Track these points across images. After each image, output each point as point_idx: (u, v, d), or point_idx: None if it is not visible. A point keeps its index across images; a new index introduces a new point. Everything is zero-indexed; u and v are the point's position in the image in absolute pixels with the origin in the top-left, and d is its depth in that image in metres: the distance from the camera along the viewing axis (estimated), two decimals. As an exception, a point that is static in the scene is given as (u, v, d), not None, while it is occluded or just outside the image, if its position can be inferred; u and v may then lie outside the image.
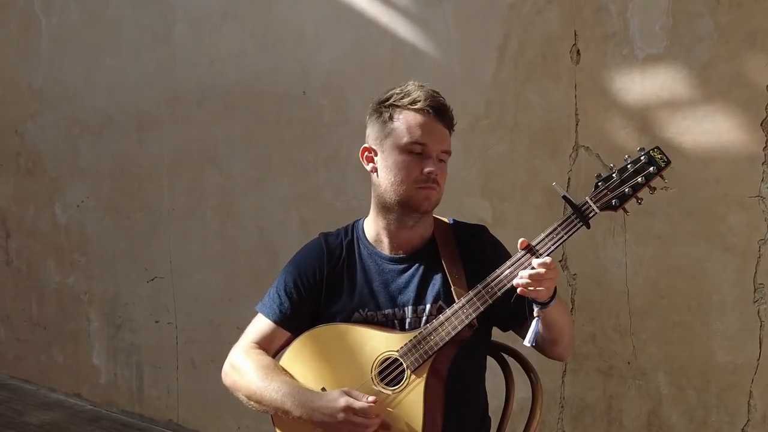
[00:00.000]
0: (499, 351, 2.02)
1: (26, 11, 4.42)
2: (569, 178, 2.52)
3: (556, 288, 1.61)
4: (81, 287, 4.35)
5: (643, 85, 2.37)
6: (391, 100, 1.74)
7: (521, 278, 1.57)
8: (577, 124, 2.51)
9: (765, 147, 2.19)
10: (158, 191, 3.85)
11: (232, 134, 3.51)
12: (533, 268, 1.56)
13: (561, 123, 2.54)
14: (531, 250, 1.60)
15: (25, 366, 4.78)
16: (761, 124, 2.18)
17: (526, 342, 1.60)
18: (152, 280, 3.94)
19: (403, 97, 1.73)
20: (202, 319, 3.74)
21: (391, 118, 1.74)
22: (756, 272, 2.23)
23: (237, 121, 3.48)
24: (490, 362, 2.00)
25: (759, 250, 2.22)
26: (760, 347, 2.25)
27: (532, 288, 1.56)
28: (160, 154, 3.82)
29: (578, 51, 2.49)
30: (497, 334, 2.03)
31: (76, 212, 4.30)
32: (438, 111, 1.72)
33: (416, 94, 1.73)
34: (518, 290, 1.58)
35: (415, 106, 1.71)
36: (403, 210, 1.75)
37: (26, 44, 4.46)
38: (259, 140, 3.42)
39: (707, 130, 2.27)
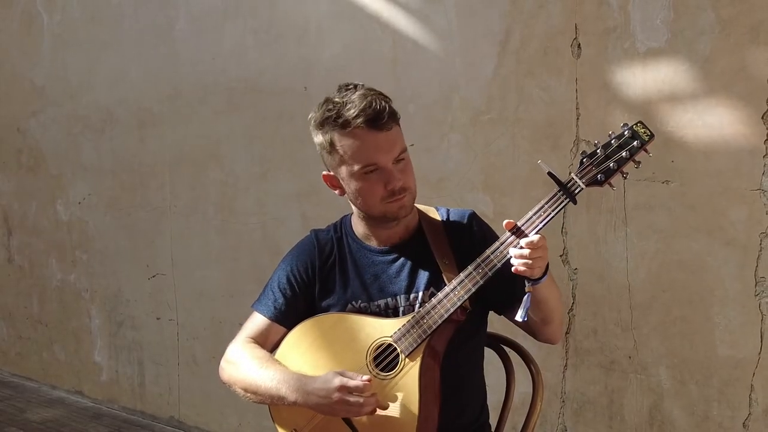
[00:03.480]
0: (500, 344, 2.02)
1: (28, 9, 4.43)
2: (570, 173, 2.51)
3: (548, 265, 1.62)
4: (83, 284, 4.35)
5: (645, 78, 2.37)
6: (327, 126, 1.67)
7: (513, 257, 1.57)
8: (578, 119, 2.51)
9: (766, 140, 2.18)
10: (160, 188, 3.85)
11: (233, 131, 3.51)
12: (522, 247, 1.56)
13: (562, 117, 2.54)
14: (517, 231, 1.60)
15: (27, 363, 4.79)
16: (762, 118, 2.18)
17: (518, 317, 1.60)
18: (154, 276, 3.94)
19: (336, 119, 1.65)
20: (203, 315, 3.74)
21: (332, 145, 1.68)
22: (757, 266, 2.23)
23: (239, 118, 3.48)
24: (492, 356, 2.00)
25: (760, 244, 2.22)
26: (762, 341, 2.24)
27: (523, 268, 1.56)
28: (161, 151, 3.83)
29: (579, 45, 2.49)
30: (499, 327, 2.03)
31: (78, 209, 4.31)
32: (374, 121, 1.63)
33: (348, 113, 1.63)
34: (512, 269, 1.58)
35: (350, 128, 1.64)
36: (382, 220, 1.77)
37: (28, 41, 4.46)
38: (260, 136, 3.42)
39: (708, 123, 2.27)
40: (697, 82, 2.29)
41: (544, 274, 1.61)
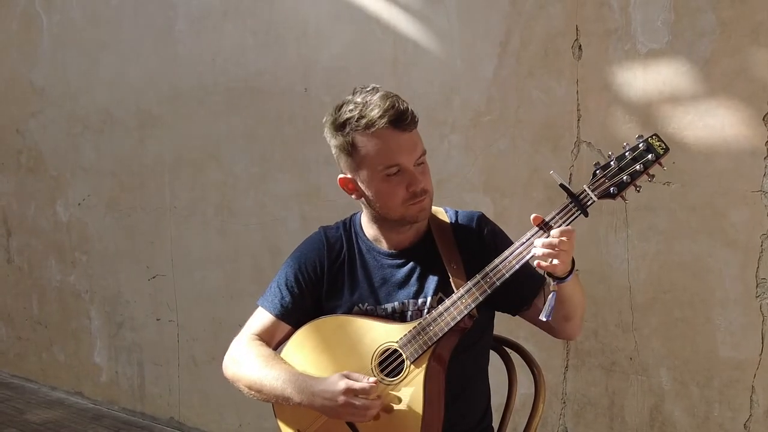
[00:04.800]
0: (502, 345, 2.02)
1: (28, 9, 4.43)
2: (571, 174, 2.52)
3: (574, 263, 1.60)
4: (82, 285, 4.35)
5: (645, 80, 2.37)
6: (348, 127, 1.66)
7: (537, 248, 1.54)
8: (578, 120, 2.51)
9: (767, 142, 2.18)
10: (159, 189, 3.85)
11: (233, 132, 3.51)
12: (550, 237, 1.53)
13: (563, 119, 2.54)
14: (545, 226, 1.58)
15: (27, 364, 4.78)
16: (763, 119, 2.18)
17: (542, 316, 1.57)
18: (153, 277, 3.94)
19: (359, 119, 1.64)
20: (203, 316, 3.74)
21: (354, 146, 1.66)
22: (758, 267, 2.23)
23: (238, 119, 3.48)
24: (493, 357, 2.00)
25: (761, 245, 2.22)
26: (763, 342, 2.24)
27: (547, 262, 1.53)
28: (161, 152, 3.82)
29: (580, 46, 2.49)
30: (500, 329, 2.03)
31: (78, 210, 4.30)
32: (398, 122, 1.64)
33: (372, 113, 1.63)
34: (535, 263, 1.56)
35: (374, 129, 1.63)
36: (400, 224, 1.75)
37: (28, 42, 4.46)
38: (260, 137, 3.42)
39: (709, 125, 2.27)
40: (698, 83, 2.28)
41: (570, 272, 1.58)
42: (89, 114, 4.15)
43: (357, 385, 1.61)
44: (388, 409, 1.66)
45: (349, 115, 1.66)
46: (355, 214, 1.89)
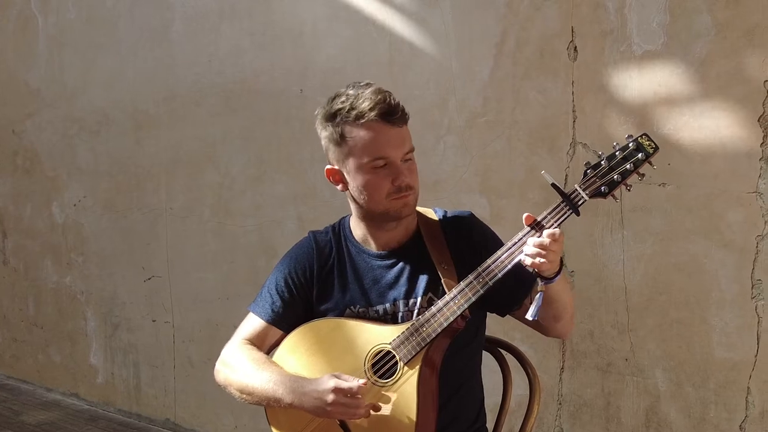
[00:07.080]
0: (497, 347, 2.02)
1: (24, 10, 4.42)
2: (566, 175, 2.52)
3: (562, 263, 1.61)
4: (78, 287, 4.34)
5: (641, 81, 2.37)
6: (338, 118, 1.67)
7: (531, 246, 1.55)
8: (574, 121, 2.51)
9: (762, 143, 2.19)
10: (156, 190, 3.85)
11: (230, 133, 3.51)
12: (541, 237, 1.55)
13: (558, 120, 2.54)
14: (519, 241, 1.60)
15: (23, 366, 4.77)
16: (759, 120, 2.19)
17: (529, 316, 1.60)
18: (149, 279, 3.93)
19: (349, 111, 1.65)
20: (199, 318, 3.73)
21: (343, 137, 1.68)
22: (754, 268, 2.23)
23: (235, 120, 3.48)
24: (488, 359, 2.00)
25: (757, 246, 2.22)
26: (758, 343, 2.25)
27: (536, 261, 1.54)
28: (157, 153, 3.82)
29: (576, 48, 2.50)
30: (496, 330, 2.03)
31: (74, 211, 4.30)
32: (388, 115, 1.65)
33: (362, 105, 1.64)
34: (529, 263, 1.56)
35: (363, 120, 1.65)
36: (384, 218, 1.75)
37: (24, 43, 4.45)
38: (257, 138, 3.41)
39: (705, 126, 2.27)
40: (694, 84, 2.29)
41: (557, 273, 1.60)
42: (85, 115, 4.14)
43: (345, 384, 1.62)
44: (382, 411, 1.66)
45: (340, 106, 1.67)
46: (344, 217, 1.89)
